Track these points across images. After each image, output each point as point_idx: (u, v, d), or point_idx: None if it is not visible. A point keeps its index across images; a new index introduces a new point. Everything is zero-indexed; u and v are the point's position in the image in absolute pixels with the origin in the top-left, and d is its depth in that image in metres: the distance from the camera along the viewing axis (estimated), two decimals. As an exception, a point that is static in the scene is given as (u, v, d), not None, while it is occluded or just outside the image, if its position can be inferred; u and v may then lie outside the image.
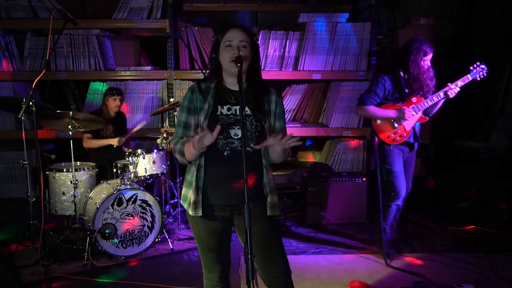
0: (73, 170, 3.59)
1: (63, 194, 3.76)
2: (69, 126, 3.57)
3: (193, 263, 3.51)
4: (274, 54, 4.89)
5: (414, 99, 3.40)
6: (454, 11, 5.55)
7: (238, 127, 2.00)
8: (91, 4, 5.41)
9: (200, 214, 2.04)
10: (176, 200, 4.35)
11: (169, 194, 4.39)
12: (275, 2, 5.31)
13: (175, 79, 4.80)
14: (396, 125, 3.44)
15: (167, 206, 4.32)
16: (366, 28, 4.84)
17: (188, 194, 2.07)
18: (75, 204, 3.59)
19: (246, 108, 2.03)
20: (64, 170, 3.77)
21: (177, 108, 4.21)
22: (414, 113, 3.40)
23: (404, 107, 3.38)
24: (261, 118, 2.04)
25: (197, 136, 1.85)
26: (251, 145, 2.02)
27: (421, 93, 3.37)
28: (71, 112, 3.53)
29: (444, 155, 5.12)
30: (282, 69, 4.90)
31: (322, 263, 3.51)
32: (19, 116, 3.23)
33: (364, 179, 4.33)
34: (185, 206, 2.10)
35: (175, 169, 4.36)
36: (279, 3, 5.36)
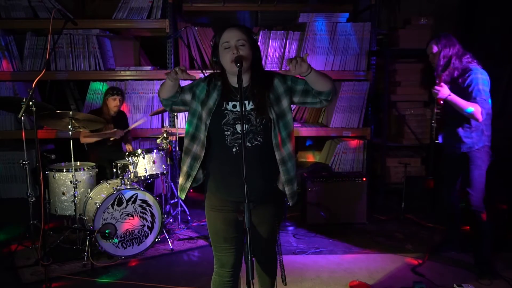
0: (73, 170, 3.60)
1: (63, 194, 3.76)
2: (69, 126, 3.57)
3: (193, 263, 3.51)
4: (274, 54, 4.89)
5: None
6: (454, 11, 5.55)
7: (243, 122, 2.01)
8: (91, 4, 5.40)
9: (183, 197, 2.16)
10: (176, 200, 4.34)
11: (169, 194, 4.39)
12: (275, 2, 5.31)
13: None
14: None
15: (167, 206, 4.32)
16: (366, 28, 4.84)
17: (183, 183, 2.16)
18: (75, 204, 3.59)
19: (251, 102, 2.04)
20: (64, 170, 3.77)
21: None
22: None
23: None
24: (263, 114, 2.03)
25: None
26: (258, 138, 2.04)
27: None
28: (71, 112, 3.54)
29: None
30: (282, 69, 4.89)
31: (322, 263, 3.51)
32: (19, 116, 3.22)
33: (364, 179, 4.33)
34: (182, 194, 2.17)
35: (175, 169, 4.36)
36: (279, 3, 5.36)
